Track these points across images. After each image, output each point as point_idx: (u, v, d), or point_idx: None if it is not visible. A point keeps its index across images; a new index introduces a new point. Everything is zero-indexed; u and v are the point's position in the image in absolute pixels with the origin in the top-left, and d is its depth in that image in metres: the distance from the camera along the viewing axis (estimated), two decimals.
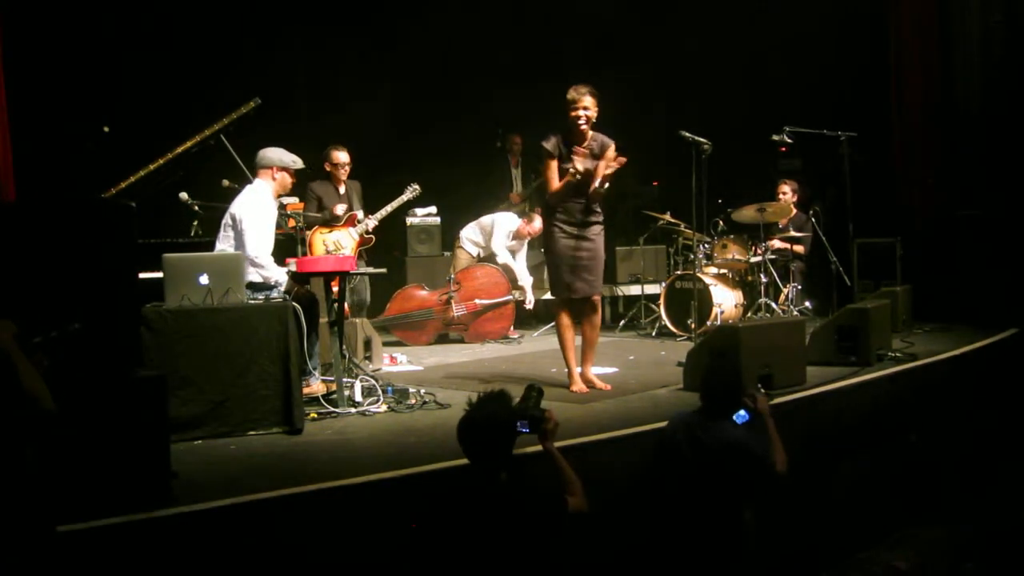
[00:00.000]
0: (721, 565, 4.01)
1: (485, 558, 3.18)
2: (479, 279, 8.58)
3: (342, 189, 7.66)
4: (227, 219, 5.76)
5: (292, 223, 6.40)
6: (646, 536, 4.13)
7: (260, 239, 5.66)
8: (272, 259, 5.71)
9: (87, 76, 7.56)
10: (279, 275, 5.68)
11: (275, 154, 5.88)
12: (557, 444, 3.59)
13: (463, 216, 9.30)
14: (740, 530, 4.07)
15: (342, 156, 7.55)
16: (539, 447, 3.57)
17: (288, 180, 5.94)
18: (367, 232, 7.45)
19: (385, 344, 7.72)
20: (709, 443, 4.07)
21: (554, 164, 5.78)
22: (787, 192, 8.80)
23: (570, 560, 3.70)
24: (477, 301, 8.51)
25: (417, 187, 7.66)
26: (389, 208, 7.57)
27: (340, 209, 7.49)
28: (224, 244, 5.73)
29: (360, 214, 7.51)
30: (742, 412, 4.23)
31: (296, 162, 5.95)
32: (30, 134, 6.52)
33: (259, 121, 6.55)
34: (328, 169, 7.60)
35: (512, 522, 3.20)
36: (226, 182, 6.38)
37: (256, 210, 5.72)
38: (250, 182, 5.97)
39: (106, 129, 6.52)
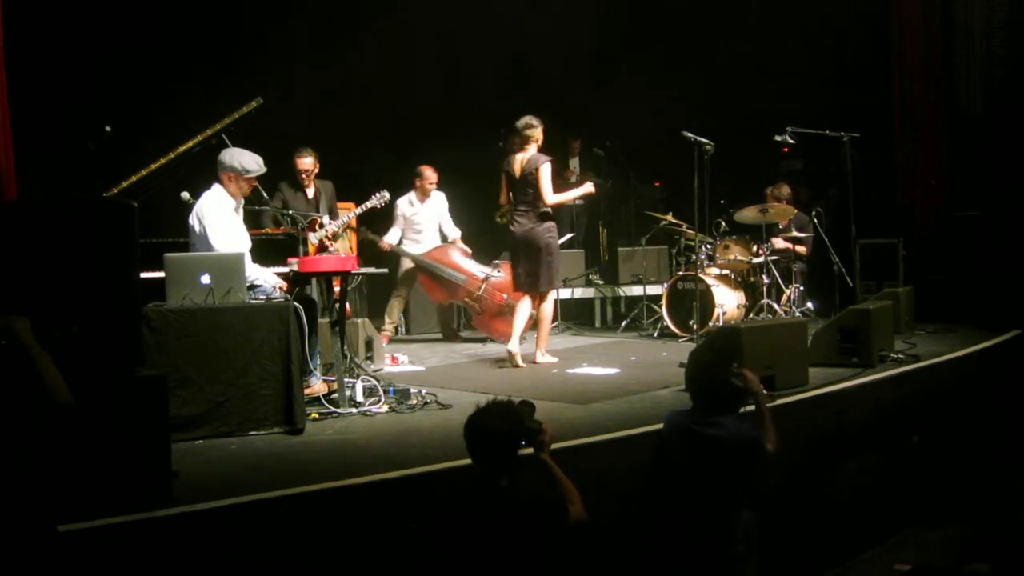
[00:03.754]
0: (720, 565, 3.99)
1: (485, 562, 3.17)
2: None
3: (310, 192, 7.72)
4: (189, 225, 5.64)
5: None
6: (645, 538, 4.11)
7: (224, 241, 5.50)
8: (247, 257, 5.52)
9: (88, 76, 7.55)
10: (258, 274, 5.58)
11: (228, 158, 5.65)
12: (559, 444, 3.58)
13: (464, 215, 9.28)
14: (740, 529, 4.05)
15: (304, 162, 7.64)
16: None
17: (245, 186, 5.68)
18: (327, 237, 7.31)
19: (390, 343, 7.71)
20: (706, 440, 4.02)
21: None
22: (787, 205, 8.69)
23: (569, 563, 3.69)
24: (505, 296, 8.16)
25: (386, 195, 7.53)
26: (351, 215, 7.52)
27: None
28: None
29: (326, 219, 7.42)
30: None
31: (247, 170, 5.62)
32: (30, 134, 6.51)
33: (260, 120, 6.54)
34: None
35: (513, 527, 3.19)
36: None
37: (212, 212, 5.54)
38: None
39: (107, 129, 6.50)
